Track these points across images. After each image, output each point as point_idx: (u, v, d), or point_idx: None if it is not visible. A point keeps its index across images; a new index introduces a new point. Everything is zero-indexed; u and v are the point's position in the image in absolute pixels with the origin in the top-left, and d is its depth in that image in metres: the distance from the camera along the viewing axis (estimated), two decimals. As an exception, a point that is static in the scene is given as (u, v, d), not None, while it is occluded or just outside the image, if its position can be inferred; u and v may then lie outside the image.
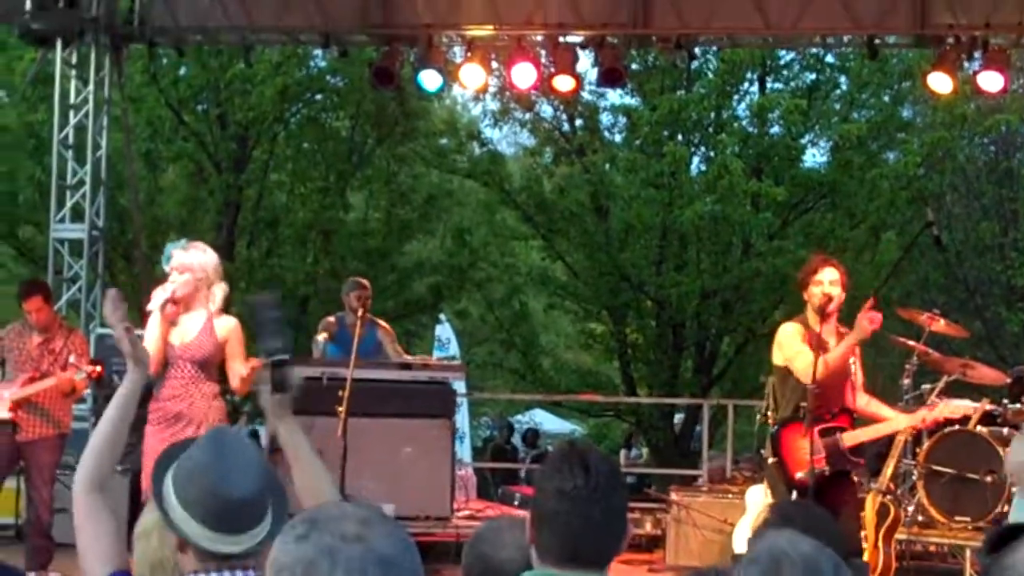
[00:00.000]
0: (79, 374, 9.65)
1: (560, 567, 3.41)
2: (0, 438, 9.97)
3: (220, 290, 8.29)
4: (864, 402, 8.33)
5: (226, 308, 8.42)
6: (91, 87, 14.57)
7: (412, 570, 2.54)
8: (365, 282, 11.93)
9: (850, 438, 8.06)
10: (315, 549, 2.47)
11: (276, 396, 4.00)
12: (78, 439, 10.38)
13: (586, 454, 3.46)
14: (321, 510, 2.66)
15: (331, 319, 11.93)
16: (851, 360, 8.19)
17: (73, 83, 14.74)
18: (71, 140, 14.68)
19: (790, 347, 8.19)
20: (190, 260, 8.17)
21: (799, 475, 8.06)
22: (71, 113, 14.69)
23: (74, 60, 14.69)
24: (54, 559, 10.03)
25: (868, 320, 7.88)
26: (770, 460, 8.30)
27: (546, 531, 3.43)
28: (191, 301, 8.23)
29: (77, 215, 14.60)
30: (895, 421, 8.30)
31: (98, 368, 9.77)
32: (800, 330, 8.16)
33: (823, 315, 8.00)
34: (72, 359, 9.75)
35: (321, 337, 11.64)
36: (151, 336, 8.12)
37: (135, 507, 9.96)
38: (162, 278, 8.26)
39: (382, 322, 11.81)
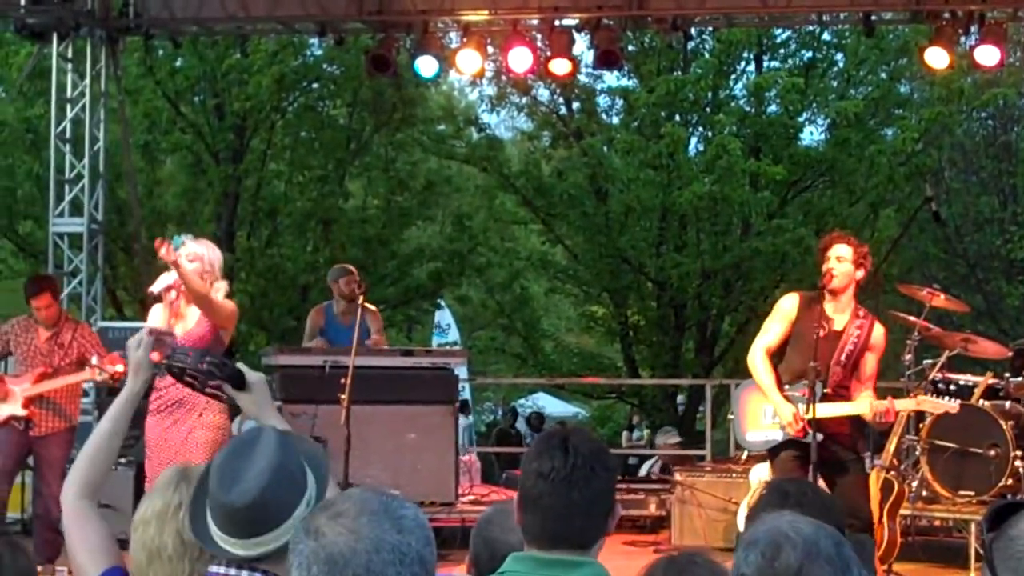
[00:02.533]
0: (100, 374, 9.64)
1: (544, 549, 3.43)
2: (12, 434, 9.99)
3: (223, 286, 8.35)
4: (861, 394, 8.23)
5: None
6: (87, 80, 14.57)
7: (364, 569, 2.53)
8: (352, 268, 11.87)
9: (810, 411, 7.98)
10: (292, 537, 2.53)
11: (245, 396, 3.95)
12: (82, 432, 10.42)
13: (568, 436, 3.48)
14: (329, 499, 2.69)
15: (317, 312, 11.91)
16: (850, 343, 8.15)
17: (69, 77, 14.74)
18: (68, 134, 14.68)
19: (766, 322, 8.41)
20: (201, 250, 8.24)
21: (748, 435, 8.41)
22: (68, 107, 14.69)
23: (70, 54, 14.69)
24: (61, 553, 10.05)
25: (876, 413, 8.03)
26: (729, 416, 8.47)
27: (529, 513, 3.46)
28: None
29: (76, 209, 14.61)
30: (858, 404, 8.18)
31: (119, 368, 9.73)
32: (793, 305, 8.23)
33: (823, 290, 8.06)
34: (95, 360, 9.73)
35: (309, 332, 11.65)
36: (155, 322, 8.18)
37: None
38: (164, 268, 8.31)
39: (370, 306, 11.69)
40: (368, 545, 2.54)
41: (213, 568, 3.21)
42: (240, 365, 3.93)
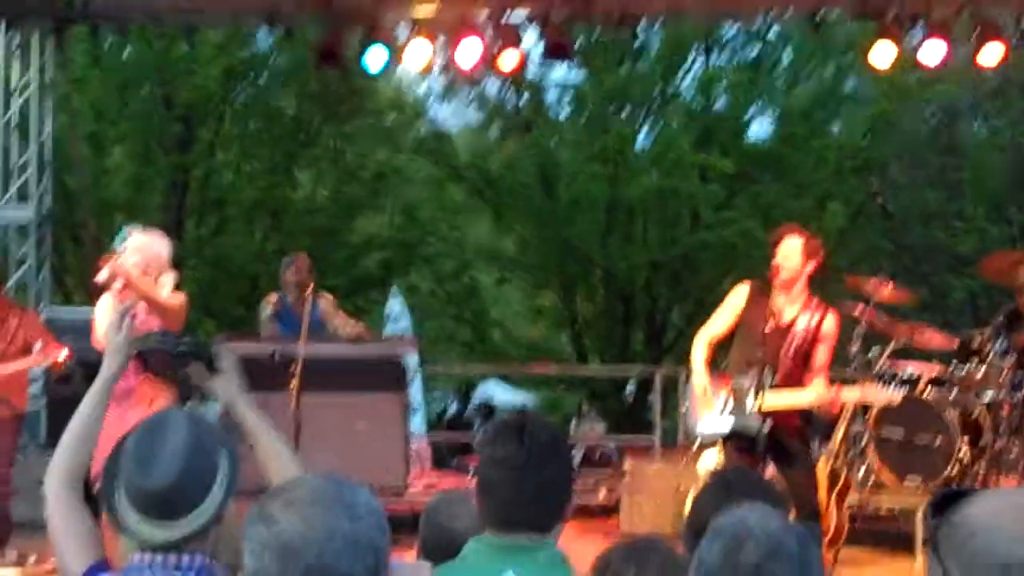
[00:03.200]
0: (45, 361, 9.66)
1: (501, 533, 3.47)
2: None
3: (169, 279, 8.37)
4: (812, 383, 8.27)
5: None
6: (34, 71, 14.47)
7: (316, 557, 2.54)
8: (301, 255, 11.89)
9: (759, 401, 8.07)
10: (246, 522, 2.53)
11: (220, 379, 3.92)
12: (29, 422, 10.39)
13: (523, 423, 3.52)
14: (283, 485, 2.70)
15: (273, 296, 11.90)
16: (799, 336, 8.20)
17: (16, 66, 14.63)
18: (15, 123, 14.59)
19: (715, 312, 8.46)
20: (146, 241, 8.27)
21: (699, 424, 8.46)
22: (15, 96, 14.59)
23: (16, 44, 14.58)
24: (10, 540, 10.04)
25: (822, 404, 8.10)
26: (682, 409, 8.55)
27: (486, 498, 3.51)
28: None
29: (23, 198, 14.51)
30: (804, 395, 8.23)
31: (64, 354, 9.72)
32: (743, 296, 8.31)
33: (772, 283, 8.13)
34: (37, 347, 9.72)
35: (268, 309, 11.63)
36: (104, 313, 8.20)
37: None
38: (111, 254, 8.33)
39: (324, 293, 11.68)
40: (321, 534, 2.55)
41: (136, 556, 3.19)
42: (216, 347, 3.91)
